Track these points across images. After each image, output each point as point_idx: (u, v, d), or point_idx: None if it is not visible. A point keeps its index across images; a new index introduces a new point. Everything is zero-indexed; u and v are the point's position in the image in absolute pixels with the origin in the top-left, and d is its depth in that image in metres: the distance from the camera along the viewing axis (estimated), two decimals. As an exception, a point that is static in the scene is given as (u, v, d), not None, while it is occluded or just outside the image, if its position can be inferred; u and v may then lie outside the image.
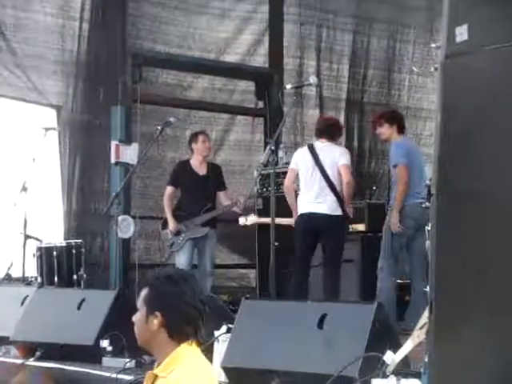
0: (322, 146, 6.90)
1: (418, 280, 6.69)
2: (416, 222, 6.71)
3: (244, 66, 10.10)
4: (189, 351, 2.83)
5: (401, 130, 7.00)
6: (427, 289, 2.60)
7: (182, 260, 7.59)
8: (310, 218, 6.78)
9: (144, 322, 2.85)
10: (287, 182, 7.03)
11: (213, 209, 7.74)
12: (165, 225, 7.75)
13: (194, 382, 2.75)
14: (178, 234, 7.64)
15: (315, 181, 6.79)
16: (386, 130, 6.96)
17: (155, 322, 2.82)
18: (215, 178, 7.85)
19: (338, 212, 6.75)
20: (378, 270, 6.77)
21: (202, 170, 7.82)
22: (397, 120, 7.03)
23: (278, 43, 10.17)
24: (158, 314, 2.82)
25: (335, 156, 6.80)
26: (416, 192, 6.77)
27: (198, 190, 7.67)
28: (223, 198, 7.84)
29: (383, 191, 9.33)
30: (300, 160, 6.94)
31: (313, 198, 6.79)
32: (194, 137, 7.93)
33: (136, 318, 2.90)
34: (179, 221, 7.65)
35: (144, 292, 2.89)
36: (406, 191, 6.66)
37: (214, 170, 7.96)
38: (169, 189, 7.82)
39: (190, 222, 7.63)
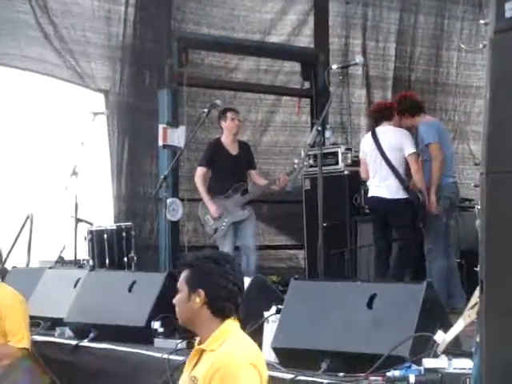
0: (383, 130, 6.90)
1: (451, 257, 6.76)
2: (451, 201, 6.74)
3: (289, 47, 10.06)
4: (233, 326, 2.95)
5: (421, 109, 6.99)
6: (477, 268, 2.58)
7: (226, 244, 7.34)
8: (374, 201, 6.90)
9: (186, 301, 2.96)
10: (362, 174, 7.10)
11: (247, 189, 7.46)
12: (204, 209, 7.45)
13: (245, 353, 2.85)
14: (218, 219, 7.37)
15: (377, 165, 6.83)
16: (407, 121, 6.94)
17: (197, 299, 2.93)
18: (247, 156, 7.58)
19: (399, 195, 6.72)
20: (426, 252, 6.74)
21: (234, 150, 7.50)
22: (415, 105, 7.00)
23: (324, 23, 10.10)
24: (200, 291, 2.93)
25: (395, 140, 6.79)
26: (450, 172, 6.79)
27: (233, 171, 7.37)
28: (256, 177, 7.62)
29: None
30: (364, 147, 7.00)
31: (376, 182, 6.86)
32: (222, 114, 7.56)
33: (177, 298, 3.01)
34: (217, 204, 7.34)
35: (185, 273, 3.00)
36: (442, 169, 6.62)
37: (245, 148, 7.65)
38: (201, 169, 7.46)
39: (230, 204, 7.35)
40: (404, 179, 6.74)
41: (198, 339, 3.05)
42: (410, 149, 6.74)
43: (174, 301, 3.02)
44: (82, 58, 8.72)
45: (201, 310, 2.94)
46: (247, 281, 5.18)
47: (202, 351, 2.95)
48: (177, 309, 3.01)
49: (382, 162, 6.77)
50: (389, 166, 6.74)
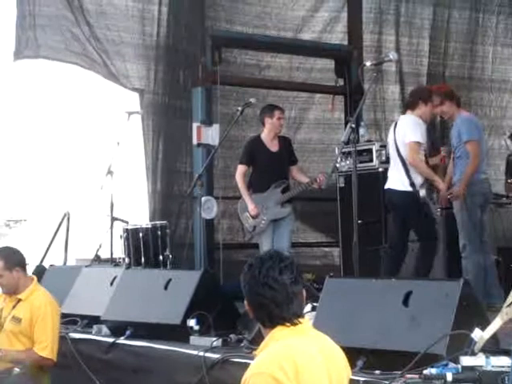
0: (401, 118, 6.83)
1: (488, 253, 6.64)
2: (484, 198, 6.64)
3: (323, 44, 10.04)
4: (280, 333, 2.73)
5: (459, 103, 6.84)
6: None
7: (265, 241, 7.30)
8: (387, 193, 6.81)
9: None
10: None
11: (288, 186, 7.36)
12: (243, 207, 7.41)
13: (265, 363, 2.64)
14: (257, 216, 7.31)
15: (392, 155, 6.76)
16: (449, 108, 6.74)
17: (250, 311, 2.81)
18: (287, 152, 7.44)
19: (407, 188, 6.57)
20: (461, 249, 6.65)
21: (274, 147, 7.39)
22: (455, 95, 6.84)
23: (357, 19, 10.06)
24: (246, 304, 2.79)
25: (405, 129, 6.64)
26: (483, 169, 6.70)
27: (273, 168, 7.27)
28: (297, 174, 7.50)
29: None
30: (389, 136, 6.92)
31: (390, 173, 6.78)
32: (268, 110, 7.43)
33: None
34: (256, 202, 7.28)
35: None
36: (477, 167, 6.53)
37: (286, 144, 7.49)
38: (242, 167, 7.39)
39: (270, 202, 7.30)
40: (410, 174, 6.56)
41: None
42: (410, 136, 6.53)
43: None
44: (117, 57, 8.79)
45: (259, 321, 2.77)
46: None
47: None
48: None
49: (396, 153, 6.65)
50: (399, 158, 6.62)
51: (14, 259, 5.27)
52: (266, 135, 7.44)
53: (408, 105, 6.86)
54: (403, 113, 6.97)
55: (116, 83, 8.83)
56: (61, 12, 8.44)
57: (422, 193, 6.56)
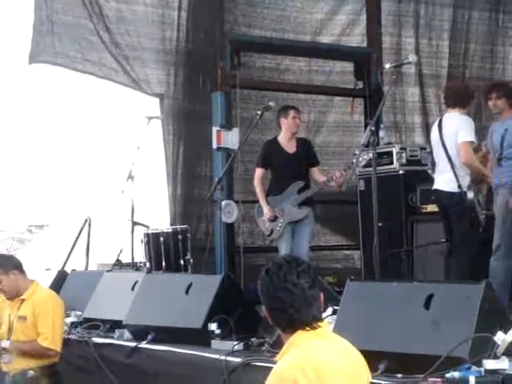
0: (448, 116, 6.66)
1: None
2: None
3: (341, 47, 10.04)
4: (301, 338, 2.72)
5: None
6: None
7: (283, 246, 7.23)
8: (435, 194, 6.70)
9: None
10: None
11: (307, 187, 7.23)
12: (260, 211, 7.37)
13: (286, 368, 2.63)
14: (274, 219, 7.23)
15: (438, 156, 6.62)
16: (503, 104, 6.56)
17: (269, 319, 2.79)
18: (306, 153, 7.35)
19: (455, 189, 6.45)
20: (494, 249, 6.40)
21: (291, 148, 7.33)
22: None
23: (376, 21, 10.04)
24: (264, 310, 2.80)
25: (456, 129, 6.48)
26: None
27: (290, 170, 7.19)
28: (317, 175, 7.36)
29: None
30: (431, 135, 6.81)
31: (437, 174, 6.67)
32: (283, 111, 7.40)
33: None
34: (273, 205, 7.24)
35: None
36: None
37: (304, 145, 7.44)
38: (258, 171, 7.37)
39: (286, 204, 7.21)
40: (458, 175, 6.45)
41: None
42: (463, 136, 6.41)
43: None
44: (137, 63, 8.84)
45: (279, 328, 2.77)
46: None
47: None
48: None
49: (443, 152, 6.50)
50: (447, 158, 6.48)
51: (8, 263, 5.44)
52: (283, 137, 7.41)
53: (456, 102, 6.63)
54: (445, 110, 6.80)
55: (136, 89, 8.87)
56: (78, 20, 8.50)
57: (470, 195, 6.45)
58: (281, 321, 2.75)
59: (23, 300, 5.41)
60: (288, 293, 2.72)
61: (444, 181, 6.54)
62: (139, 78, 8.84)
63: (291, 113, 7.36)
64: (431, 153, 7.12)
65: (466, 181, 6.48)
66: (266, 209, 7.27)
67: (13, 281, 5.36)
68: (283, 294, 2.72)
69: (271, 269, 2.75)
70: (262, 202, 7.32)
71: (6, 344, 5.31)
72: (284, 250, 7.21)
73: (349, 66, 10.05)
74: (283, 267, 2.75)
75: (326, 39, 10.01)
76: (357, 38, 10.13)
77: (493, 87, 6.75)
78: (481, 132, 9.08)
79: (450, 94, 6.77)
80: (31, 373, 5.30)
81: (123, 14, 8.76)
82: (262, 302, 2.79)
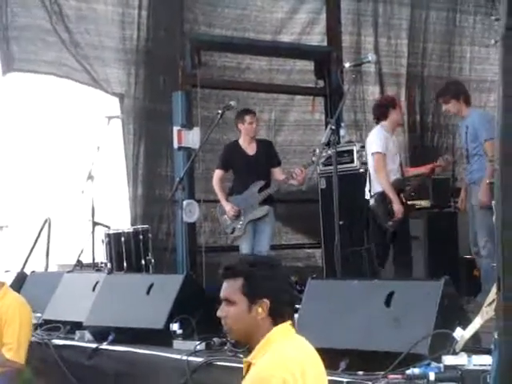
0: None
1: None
2: None
3: (302, 46, 10.06)
4: (283, 332, 2.74)
5: (468, 101, 6.80)
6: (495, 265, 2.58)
7: (244, 245, 7.30)
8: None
9: (246, 313, 2.72)
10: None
11: (267, 186, 7.33)
12: (222, 210, 7.45)
13: (280, 365, 2.64)
14: (236, 218, 7.31)
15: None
16: (453, 107, 6.77)
17: (260, 309, 2.72)
18: (267, 155, 7.46)
19: (368, 196, 6.84)
20: (480, 248, 6.50)
21: (251, 150, 7.44)
22: (462, 92, 6.82)
23: (336, 20, 10.09)
24: (265, 300, 2.72)
25: (368, 139, 6.94)
26: None
27: (250, 171, 7.31)
28: (278, 174, 7.46)
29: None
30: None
31: None
32: (239, 116, 7.49)
33: (232, 312, 2.75)
34: (234, 204, 7.32)
35: (237, 283, 2.74)
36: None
37: (265, 146, 7.55)
38: (217, 172, 7.50)
39: (247, 203, 7.29)
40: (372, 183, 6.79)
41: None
42: (374, 148, 6.76)
43: (222, 314, 2.78)
44: (97, 62, 8.76)
45: (264, 320, 2.71)
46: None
47: (250, 364, 2.75)
48: (231, 323, 2.75)
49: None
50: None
51: None
52: (243, 139, 7.51)
53: (376, 115, 6.99)
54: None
55: (96, 88, 8.81)
56: (35, 22, 8.39)
57: (371, 202, 6.77)
58: (283, 314, 2.76)
59: None
60: (291, 287, 2.81)
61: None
62: (99, 78, 8.77)
63: (247, 118, 7.44)
64: None
65: (377, 189, 6.67)
66: (228, 206, 7.33)
67: None
68: (289, 288, 2.79)
69: (274, 264, 2.81)
70: (223, 200, 7.41)
71: None
72: (244, 249, 7.27)
73: (309, 65, 10.08)
74: (276, 264, 2.83)
75: (286, 38, 10.02)
76: (317, 37, 10.16)
77: (437, 96, 6.94)
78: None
79: (374, 107, 7.16)
80: None
81: (83, 13, 8.68)
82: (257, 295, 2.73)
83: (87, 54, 8.68)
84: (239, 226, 7.33)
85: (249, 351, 2.80)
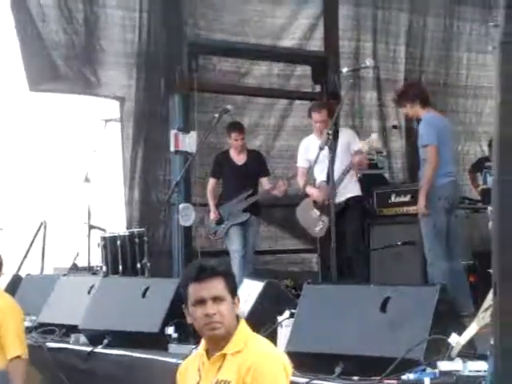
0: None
1: (455, 259, 6.50)
2: (448, 202, 6.44)
3: (300, 51, 10.06)
4: (247, 327, 3.00)
5: (425, 103, 6.59)
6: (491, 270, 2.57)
7: (232, 246, 7.69)
8: None
9: (232, 309, 2.95)
10: None
11: (254, 195, 7.74)
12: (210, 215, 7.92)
13: (277, 353, 2.97)
14: (220, 222, 7.74)
15: None
16: (409, 110, 6.64)
17: (238, 304, 2.98)
18: (255, 165, 7.85)
19: None
20: (426, 255, 6.50)
21: (240, 160, 7.84)
22: (418, 95, 6.60)
23: (334, 26, 10.09)
24: (238, 296, 3.00)
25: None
26: (448, 172, 6.49)
27: (238, 180, 7.70)
28: (265, 184, 7.83)
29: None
30: None
31: None
32: (227, 130, 7.89)
33: (221, 308, 2.92)
34: (222, 210, 7.76)
35: (220, 282, 2.94)
36: (433, 175, 6.36)
37: (255, 157, 7.93)
38: (211, 181, 7.94)
39: (232, 210, 7.70)
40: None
41: (201, 346, 3.06)
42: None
43: (214, 311, 2.91)
44: (99, 66, 8.74)
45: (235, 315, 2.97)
46: (260, 286, 5.19)
47: (225, 356, 2.93)
48: (223, 319, 2.92)
49: None
50: None
51: None
52: (233, 150, 7.91)
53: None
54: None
55: (96, 94, 8.76)
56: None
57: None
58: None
59: None
60: None
61: None
62: (101, 81, 8.73)
63: (233, 136, 7.80)
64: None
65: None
66: (212, 212, 7.81)
67: None
68: None
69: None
70: (212, 207, 7.84)
71: None
72: (233, 249, 7.66)
73: (308, 70, 10.09)
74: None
75: (286, 43, 10.02)
76: (317, 42, 10.15)
77: (394, 102, 6.93)
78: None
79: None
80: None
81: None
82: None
83: (89, 58, 8.66)
84: (221, 229, 7.75)
85: (216, 349, 2.97)
